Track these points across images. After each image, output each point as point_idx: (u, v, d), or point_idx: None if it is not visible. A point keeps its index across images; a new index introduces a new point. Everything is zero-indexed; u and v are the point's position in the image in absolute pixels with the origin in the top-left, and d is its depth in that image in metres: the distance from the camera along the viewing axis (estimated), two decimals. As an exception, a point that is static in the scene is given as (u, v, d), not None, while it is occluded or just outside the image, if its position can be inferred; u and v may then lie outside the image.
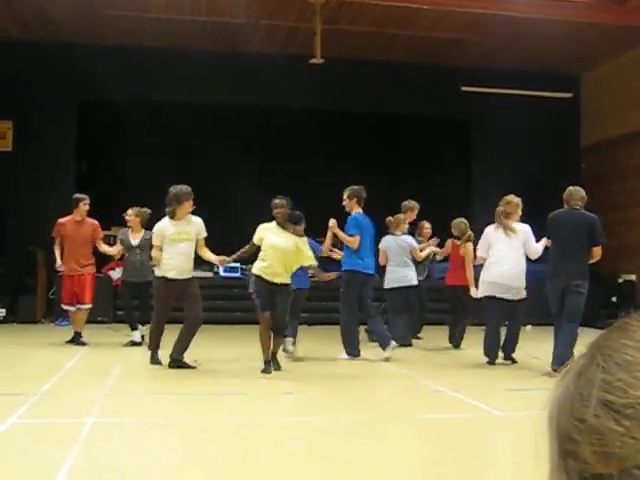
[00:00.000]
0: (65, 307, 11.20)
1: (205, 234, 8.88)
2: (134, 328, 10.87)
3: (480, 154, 17.01)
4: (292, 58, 14.48)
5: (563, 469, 0.62)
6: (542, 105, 16.46)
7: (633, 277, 15.08)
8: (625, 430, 0.57)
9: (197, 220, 8.87)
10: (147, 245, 10.47)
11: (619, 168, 15.84)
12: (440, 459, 5.09)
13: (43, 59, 14.80)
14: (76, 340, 10.77)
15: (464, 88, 16.24)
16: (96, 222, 11.18)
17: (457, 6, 12.86)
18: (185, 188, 8.67)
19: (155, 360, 8.79)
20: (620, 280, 15.19)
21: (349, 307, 9.65)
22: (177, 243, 8.60)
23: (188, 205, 8.69)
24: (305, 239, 8.82)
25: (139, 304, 10.94)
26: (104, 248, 11.18)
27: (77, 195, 11.08)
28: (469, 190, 16.88)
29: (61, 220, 11.02)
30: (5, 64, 14.59)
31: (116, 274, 14.38)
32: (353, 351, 9.64)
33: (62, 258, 10.90)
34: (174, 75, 15.19)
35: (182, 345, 8.62)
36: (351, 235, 9.58)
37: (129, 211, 11.13)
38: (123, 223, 15.24)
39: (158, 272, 8.76)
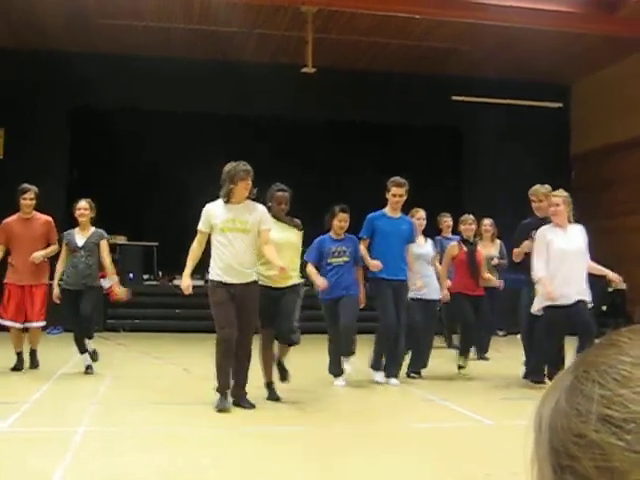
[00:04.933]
0: (8, 323, 8.85)
1: (268, 225, 7.02)
2: (85, 351, 8.80)
3: (471, 162, 17.06)
4: (284, 67, 14.50)
5: None
6: (532, 114, 16.54)
7: (623, 286, 15.12)
8: (627, 444, 0.58)
9: (260, 207, 7.08)
10: (94, 247, 8.86)
11: (609, 177, 15.91)
12: (431, 468, 5.09)
13: (35, 67, 14.79)
14: (34, 363, 9.09)
15: (455, 97, 16.31)
16: (50, 219, 9.10)
17: (447, 16, 12.90)
18: (242, 165, 6.91)
19: (222, 406, 6.76)
20: (610, 289, 15.22)
21: None
22: (228, 233, 6.87)
23: (244, 186, 6.88)
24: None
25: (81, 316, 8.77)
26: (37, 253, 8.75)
27: (21, 186, 8.97)
28: (460, 197, 16.91)
29: (6, 219, 9.04)
30: (-3, 71, 14.58)
31: (106, 282, 14.35)
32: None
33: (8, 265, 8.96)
34: (166, 83, 15.18)
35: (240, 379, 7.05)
36: None
37: (82, 202, 8.93)
38: (113, 231, 15.21)
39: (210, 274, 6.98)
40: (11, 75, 14.62)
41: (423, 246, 9.07)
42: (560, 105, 17.24)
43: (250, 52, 14.97)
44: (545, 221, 8.26)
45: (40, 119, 14.98)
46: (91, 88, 14.50)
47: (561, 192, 8.16)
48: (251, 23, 13.61)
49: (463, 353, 9.21)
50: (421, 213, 9.28)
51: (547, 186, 8.61)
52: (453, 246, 9.28)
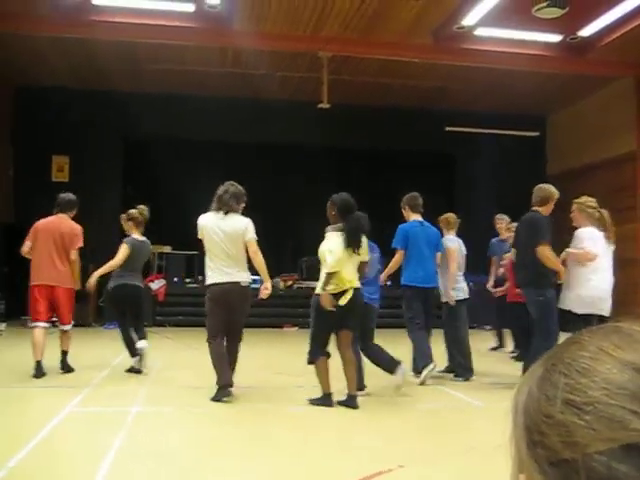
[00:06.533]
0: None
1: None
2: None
3: (462, 183, 17.09)
4: (303, 103, 14.55)
5: (531, 456, 0.64)
6: (514, 142, 16.54)
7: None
8: (586, 423, 0.60)
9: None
10: None
11: (578, 195, 15.79)
12: (428, 442, 5.08)
13: (94, 104, 14.97)
14: None
15: (448, 128, 16.32)
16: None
17: (442, 59, 12.92)
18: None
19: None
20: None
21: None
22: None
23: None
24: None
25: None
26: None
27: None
28: (452, 212, 16.88)
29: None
30: (63, 109, 14.79)
31: (155, 285, 14.43)
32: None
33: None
34: (203, 117, 15.31)
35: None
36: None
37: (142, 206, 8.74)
38: (159, 242, 15.24)
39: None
40: (74, 111, 14.83)
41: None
42: (537, 134, 17.23)
43: (275, 91, 15.02)
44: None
45: (98, 148, 15.19)
46: (141, 122, 14.71)
47: (577, 200, 7.93)
48: (275, 67, 13.68)
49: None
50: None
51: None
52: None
